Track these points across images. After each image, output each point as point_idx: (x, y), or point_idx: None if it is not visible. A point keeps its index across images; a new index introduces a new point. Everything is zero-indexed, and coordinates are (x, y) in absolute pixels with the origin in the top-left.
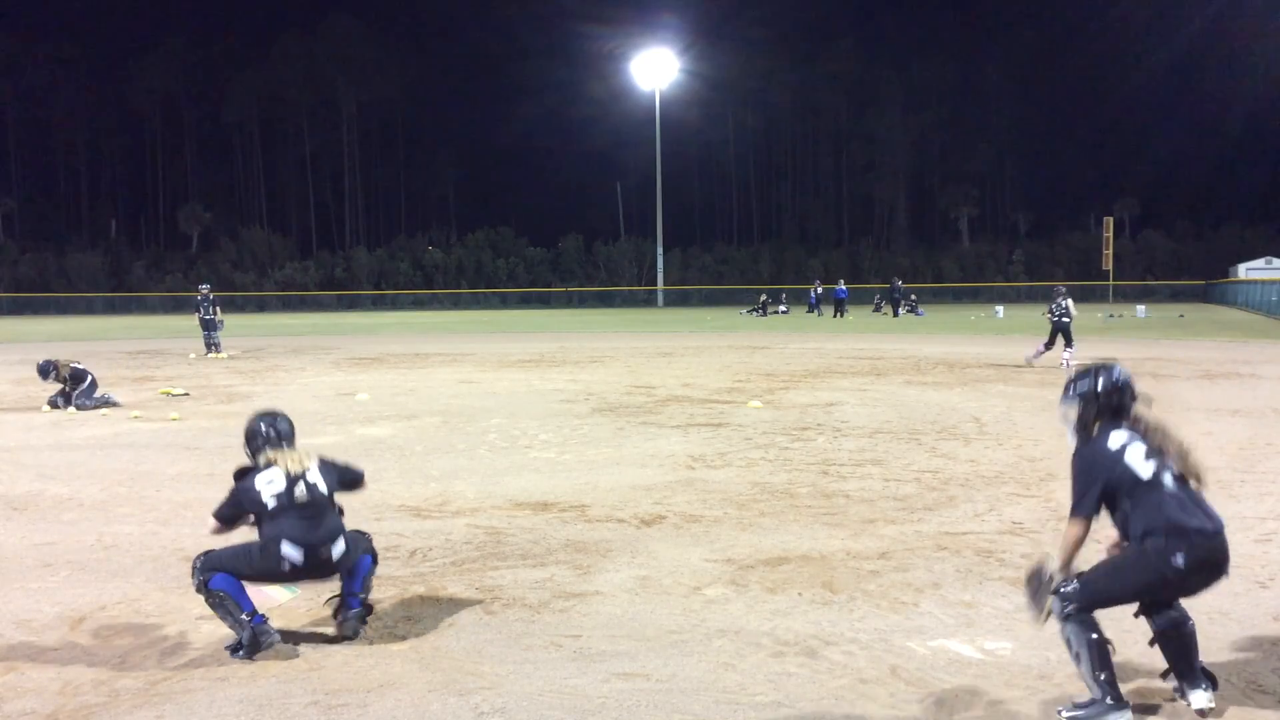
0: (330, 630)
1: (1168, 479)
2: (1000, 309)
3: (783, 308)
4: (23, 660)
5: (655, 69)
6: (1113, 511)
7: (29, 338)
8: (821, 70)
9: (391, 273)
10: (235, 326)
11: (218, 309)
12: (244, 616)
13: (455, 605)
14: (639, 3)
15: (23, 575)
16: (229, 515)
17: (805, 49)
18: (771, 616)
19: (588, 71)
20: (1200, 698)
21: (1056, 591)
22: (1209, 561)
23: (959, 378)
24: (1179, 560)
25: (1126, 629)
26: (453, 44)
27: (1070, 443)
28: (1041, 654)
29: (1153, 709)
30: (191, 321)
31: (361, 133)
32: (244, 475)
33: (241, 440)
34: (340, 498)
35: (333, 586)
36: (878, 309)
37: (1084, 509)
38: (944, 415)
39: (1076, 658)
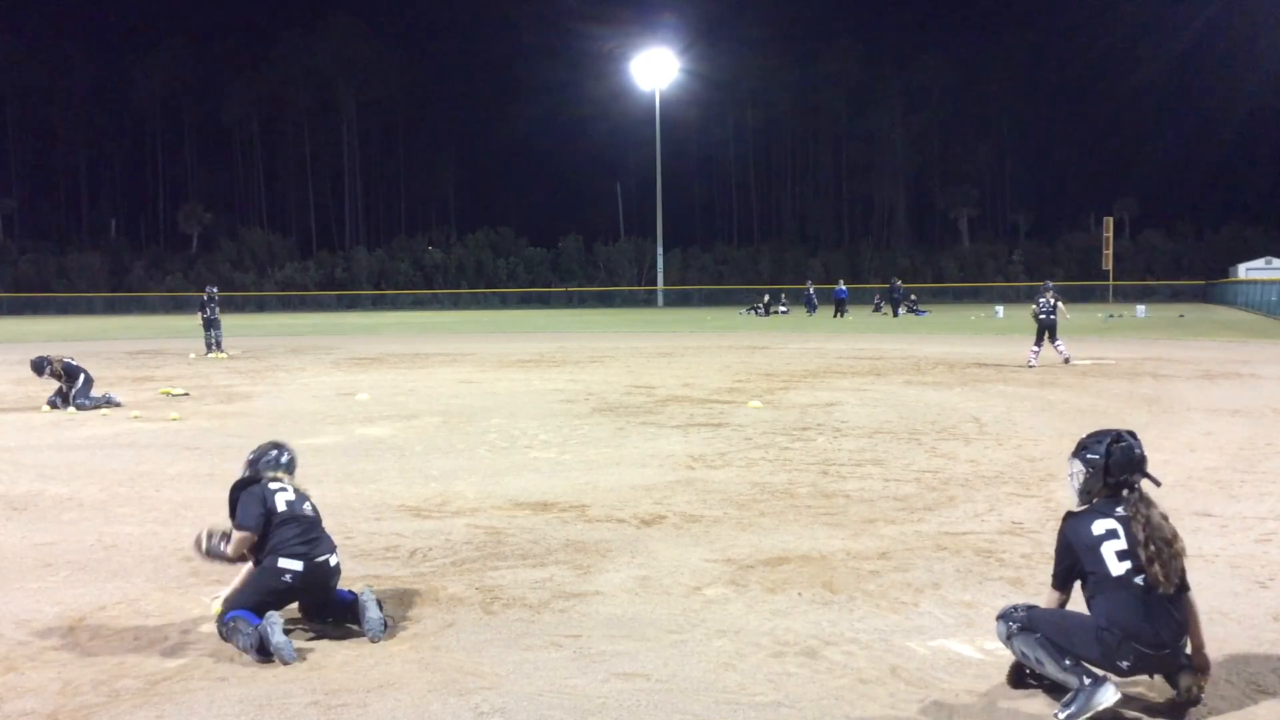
0: (330, 630)
1: (1138, 581)
2: (1000, 309)
3: (783, 308)
4: (23, 660)
5: (655, 69)
6: (1083, 583)
7: (29, 338)
8: (821, 70)
9: (391, 273)
10: (235, 326)
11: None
12: (250, 629)
13: (455, 605)
14: (639, 3)
15: (23, 575)
16: (256, 516)
17: (805, 49)
18: (771, 616)
19: (588, 71)
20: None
21: (1002, 616)
22: (1154, 668)
23: (959, 378)
24: (1124, 665)
25: None
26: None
27: (1071, 497)
28: None
29: (1155, 710)
30: (192, 322)
31: (361, 133)
32: (245, 485)
33: (248, 459)
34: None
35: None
36: (878, 309)
37: (1056, 584)
38: (944, 415)
39: (1038, 662)
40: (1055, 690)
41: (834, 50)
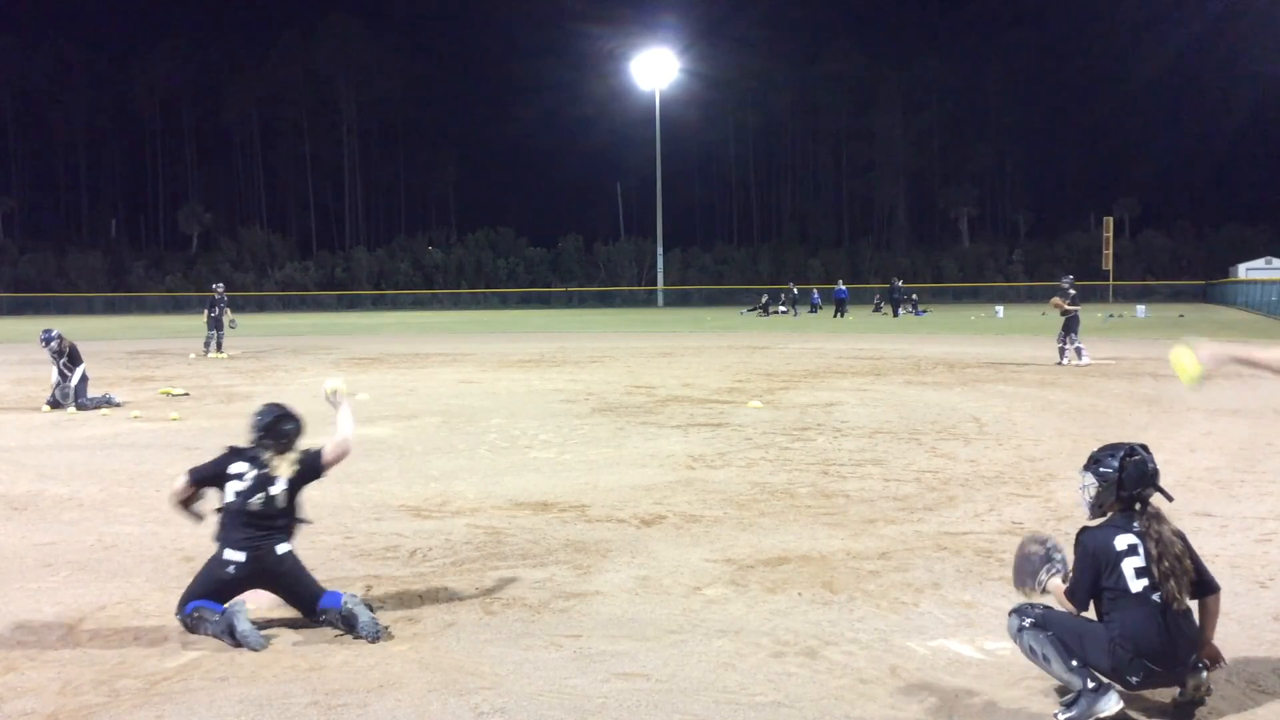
0: (330, 630)
1: (1155, 598)
2: (1000, 309)
3: (783, 308)
4: (23, 660)
5: (655, 69)
6: (1097, 598)
7: (29, 338)
8: (821, 70)
9: (391, 273)
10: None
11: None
12: (216, 618)
13: (455, 605)
14: (639, 3)
15: (23, 575)
16: (200, 474)
17: (805, 49)
18: (771, 616)
19: (588, 71)
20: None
21: (1016, 610)
22: (1162, 684)
23: (959, 378)
24: (1134, 680)
25: None
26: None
27: (1084, 511)
28: None
29: (1157, 710)
30: (192, 322)
31: (361, 133)
32: (227, 456)
33: (260, 423)
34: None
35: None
36: (878, 309)
37: (1079, 601)
38: (944, 415)
39: (1045, 660)
40: (1063, 690)
41: (834, 50)
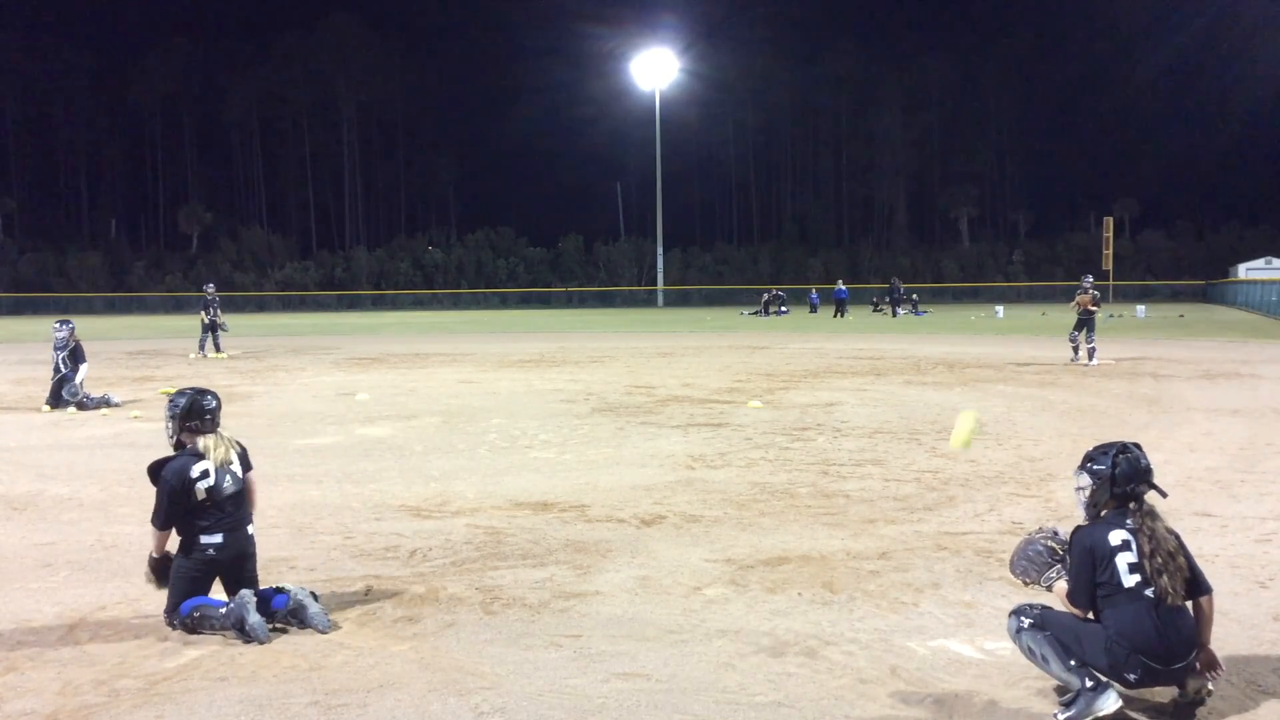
0: (335, 630)
1: (1148, 594)
2: (1000, 309)
3: (783, 308)
4: (23, 660)
5: (655, 69)
6: (1092, 596)
7: (29, 338)
8: (821, 70)
9: (391, 273)
10: (235, 326)
11: (219, 311)
12: (222, 612)
13: (455, 605)
14: (639, 3)
15: (23, 575)
16: (170, 513)
17: (805, 49)
18: (771, 616)
19: (588, 71)
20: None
21: (1015, 611)
22: (1162, 682)
23: (959, 378)
24: (1131, 678)
25: None
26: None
27: (1078, 513)
28: None
29: (1157, 709)
30: (193, 322)
31: (361, 133)
32: (163, 465)
33: (176, 414)
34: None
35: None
36: (877, 308)
37: (1081, 603)
38: (944, 415)
39: (1044, 660)
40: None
41: (834, 50)
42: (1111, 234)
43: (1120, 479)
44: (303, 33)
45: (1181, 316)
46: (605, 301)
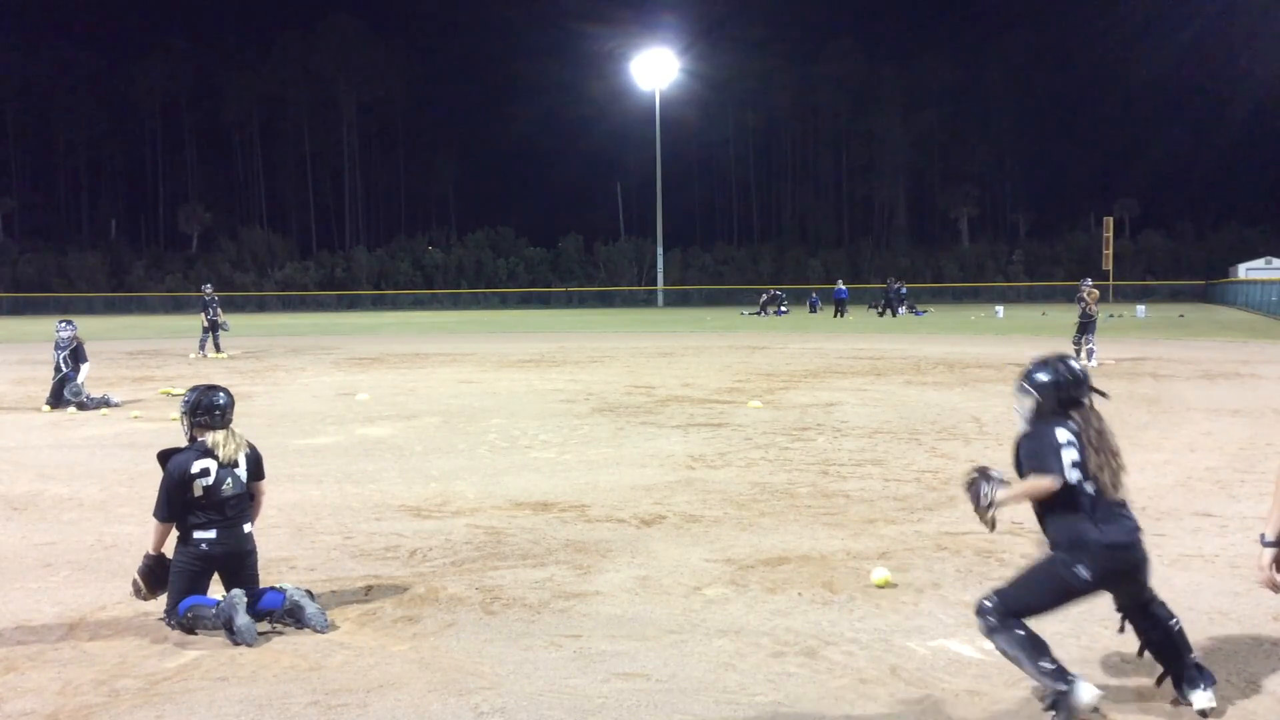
0: (330, 630)
1: (1087, 488)
2: (1000, 309)
3: (783, 308)
4: (23, 660)
5: (655, 69)
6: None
7: (29, 338)
8: (821, 70)
9: (391, 273)
10: (235, 326)
11: (219, 310)
12: (213, 612)
13: (455, 605)
14: (639, 3)
15: (23, 575)
16: (171, 508)
17: (805, 49)
18: (771, 616)
19: (588, 71)
20: (1201, 698)
21: (979, 611)
22: (1118, 571)
23: (959, 378)
24: (1083, 572)
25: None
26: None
27: (1020, 429)
28: None
29: (1154, 709)
30: (193, 322)
31: (361, 133)
32: (171, 457)
33: (185, 410)
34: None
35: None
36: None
37: (1050, 464)
38: (944, 415)
39: (1016, 660)
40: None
41: (834, 50)
42: (1111, 234)
43: (1064, 385)
44: (303, 33)
45: (1181, 316)
46: (605, 301)
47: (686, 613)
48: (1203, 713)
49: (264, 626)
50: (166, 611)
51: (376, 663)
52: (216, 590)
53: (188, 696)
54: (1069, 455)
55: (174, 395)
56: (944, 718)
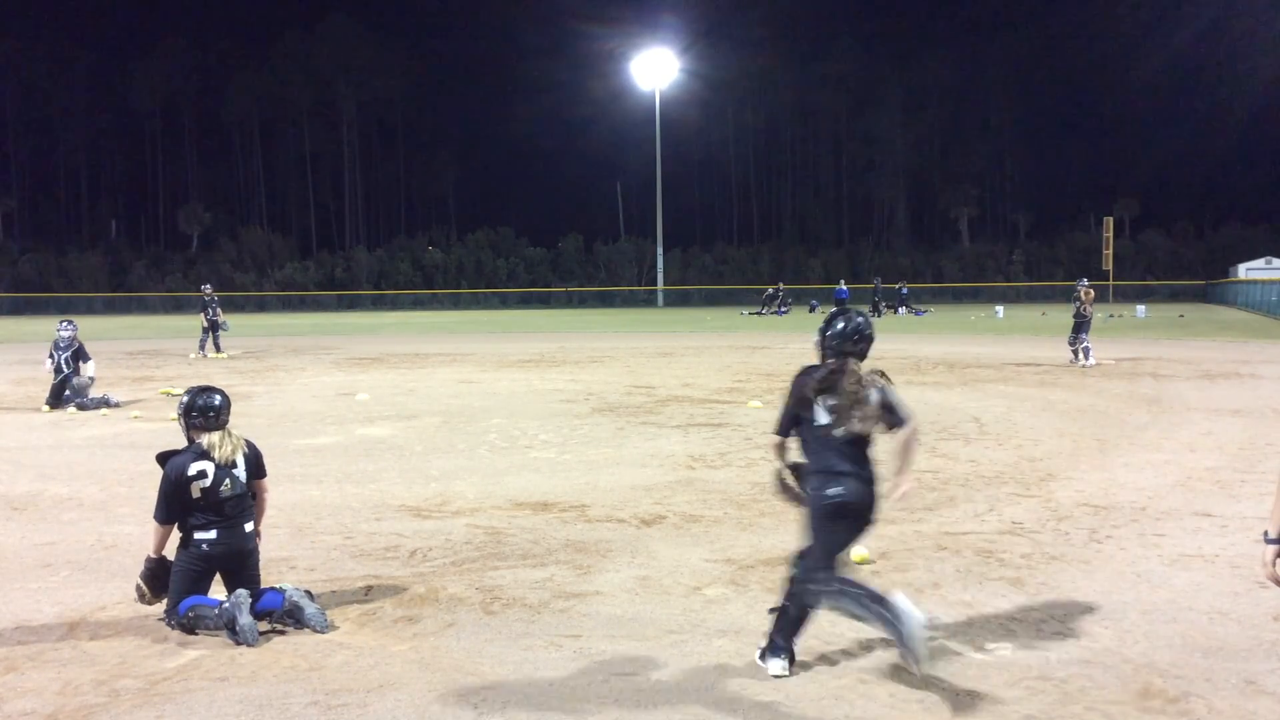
0: (330, 630)
1: (839, 432)
2: (1000, 309)
3: (783, 308)
4: (23, 660)
5: (655, 69)
6: (801, 430)
7: (29, 338)
8: (821, 70)
9: (391, 273)
10: (235, 326)
11: (219, 310)
12: (215, 612)
13: (455, 605)
14: (639, 3)
15: (23, 575)
16: (171, 510)
17: (805, 49)
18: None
19: (588, 71)
20: (776, 665)
21: (800, 580)
22: (853, 504)
23: (959, 378)
24: (833, 493)
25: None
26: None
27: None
28: (1041, 654)
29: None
30: (193, 322)
31: (361, 133)
32: (169, 458)
33: (180, 411)
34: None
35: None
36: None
37: (782, 429)
38: (944, 415)
39: (855, 616)
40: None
41: (834, 50)
42: (1111, 234)
43: (840, 335)
44: (303, 32)
45: (1181, 316)
46: (605, 301)
47: (686, 613)
48: (776, 676)
49: (264, 626)
50: (166, 612)
51: (376, 663)
52: (217, 590)
53: (188, 696)
54: (824, 401)
55: (174, 395)
56: (944, 718)
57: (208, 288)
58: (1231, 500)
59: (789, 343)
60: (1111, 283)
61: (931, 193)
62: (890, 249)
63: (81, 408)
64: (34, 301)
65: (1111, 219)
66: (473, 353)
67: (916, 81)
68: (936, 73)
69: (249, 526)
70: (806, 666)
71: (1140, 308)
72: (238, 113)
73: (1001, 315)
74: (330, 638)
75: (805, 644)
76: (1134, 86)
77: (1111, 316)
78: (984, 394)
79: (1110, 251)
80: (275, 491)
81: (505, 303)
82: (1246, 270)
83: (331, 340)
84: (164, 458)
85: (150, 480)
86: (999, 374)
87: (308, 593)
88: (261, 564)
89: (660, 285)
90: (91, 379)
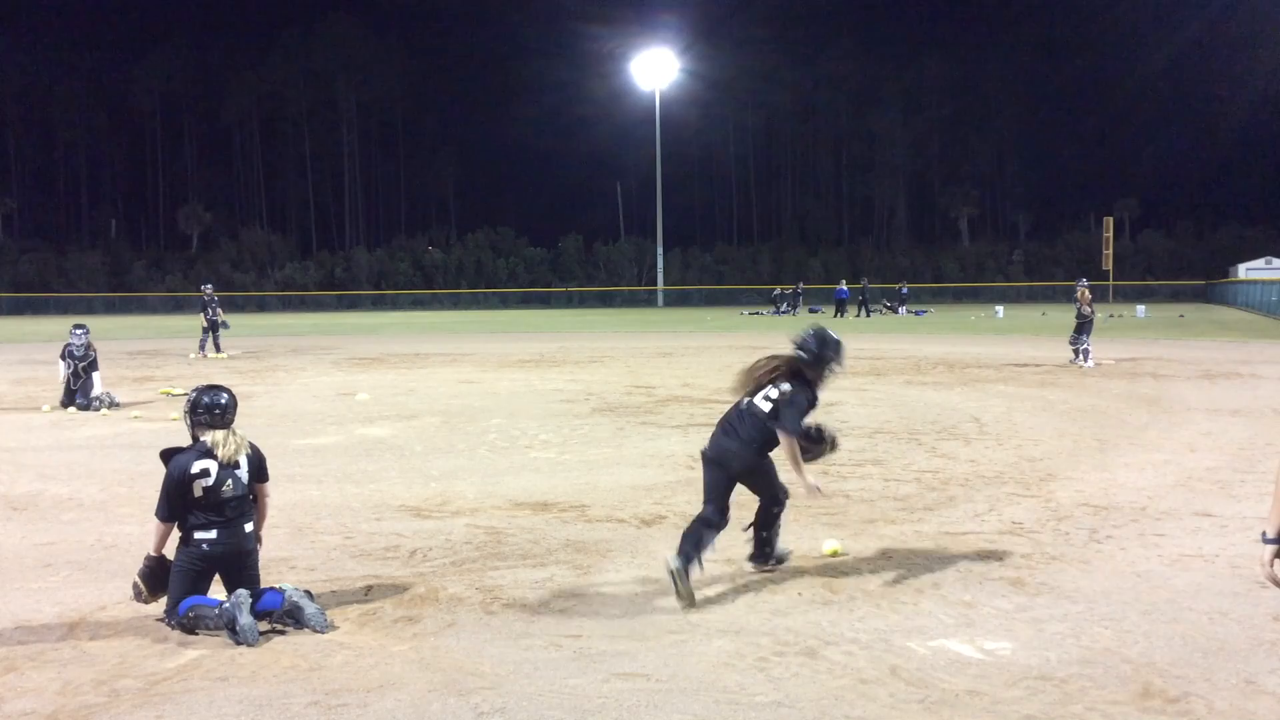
0: (330, 630)
1: (742, 403)
2: (1000, 309)
3: (783, 309)
4: (23, 660)
5: (655, 69)
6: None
7: (29, 338)
8: (821, 70)
9: (391, 273)
10: (235, 326)
11: (219, 309)
12: (216, 612)
13: (455, 605)
14: (639, 3)
15: (23, 575)
16: (172, 507)
17: (805, 49)
18: (771, 616)
19: (588, 71)
20: (674, 560)
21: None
22: (714, 457)
23: (959, 378)
24: (703, 449)
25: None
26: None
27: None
28: (1041, 654)
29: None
30: (193, 322)
31: (361, 133)
32: (172, 456)
33: (185, 409)
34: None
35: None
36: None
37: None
38: (944, 415)
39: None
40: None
41: (834, 50)
42: (1111, 234)
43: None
44: (302, 32)
45: (1181, 316)
46: (605, 301)
47: (686, 613)
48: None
49: (264, 626)
50: (166, 612)
51: (376, 663)
52: (216, 590)
53: (188, 696)
54: (765, 393)
55: (174, 395)
56: (944, 718)
57: (208, 287)
58: (1231, 500)
59: (789, 343)
60: (1111, 283)
61: (931, 193)
62: (890, 249)
63: (81, 408)
64: (34, 301)
65: (1111, 219)
66: (473, 353)
67: (916, 81)
68: (936, 73)
69: (249, 527)
70: (806, 666)
71: (1140, 308)
72: (238, 113)
73: (1001, 315)
74: (330, 638)
75: (805, 644)
76: (1134, 86)
77: (1112, 316)
78: (984, 394)
79: (1110, 251)
80: (276, 491)
81: (505, 303)
82: (1246, 270)
83: (331, 340)
84: (167, 455)
85: (150, 480)
86: (999, 374)
87: (308, 593)
88: (262, 564)
89: (660, 285)
90: (99, 397)
